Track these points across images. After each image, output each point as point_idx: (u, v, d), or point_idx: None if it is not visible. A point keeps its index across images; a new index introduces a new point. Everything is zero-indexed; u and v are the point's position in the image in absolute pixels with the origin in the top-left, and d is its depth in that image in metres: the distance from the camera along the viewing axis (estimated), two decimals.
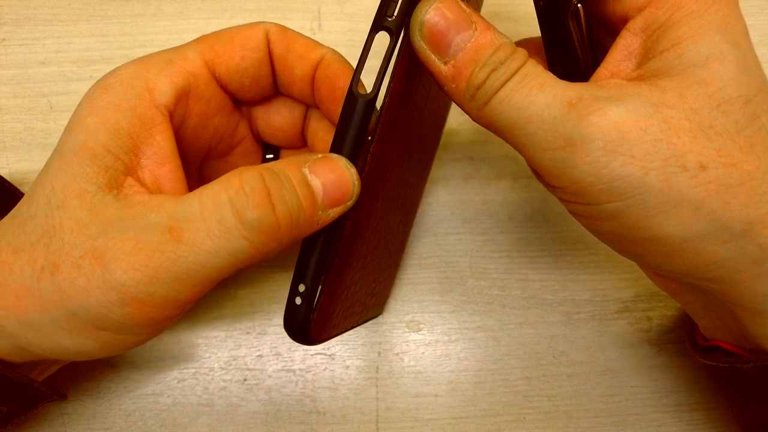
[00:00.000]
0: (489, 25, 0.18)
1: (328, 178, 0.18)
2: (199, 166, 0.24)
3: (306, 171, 0.18)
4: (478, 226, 0.31)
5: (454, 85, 0.19)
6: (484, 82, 0.18)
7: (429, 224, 0.30)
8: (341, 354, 0.29)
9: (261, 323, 0.29)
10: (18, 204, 0.19)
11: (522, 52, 0.18)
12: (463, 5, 0.18)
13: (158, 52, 0.20)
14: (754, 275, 0.18)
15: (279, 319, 0.30)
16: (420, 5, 0.18)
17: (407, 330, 0.29)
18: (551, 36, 0.21)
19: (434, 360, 0.29)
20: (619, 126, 0.17)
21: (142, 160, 0.19)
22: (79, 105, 0.19)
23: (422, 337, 0.29)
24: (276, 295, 0.30)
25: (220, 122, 0.22)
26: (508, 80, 0.18)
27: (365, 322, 0.27)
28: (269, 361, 0.29)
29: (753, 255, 0.18)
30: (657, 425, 0.28)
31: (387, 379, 0.29)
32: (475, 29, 0.18)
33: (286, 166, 0.18)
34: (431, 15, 0.18)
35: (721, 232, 0.17)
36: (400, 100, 0.19)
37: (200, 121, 0.21)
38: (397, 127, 0.20)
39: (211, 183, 0.17)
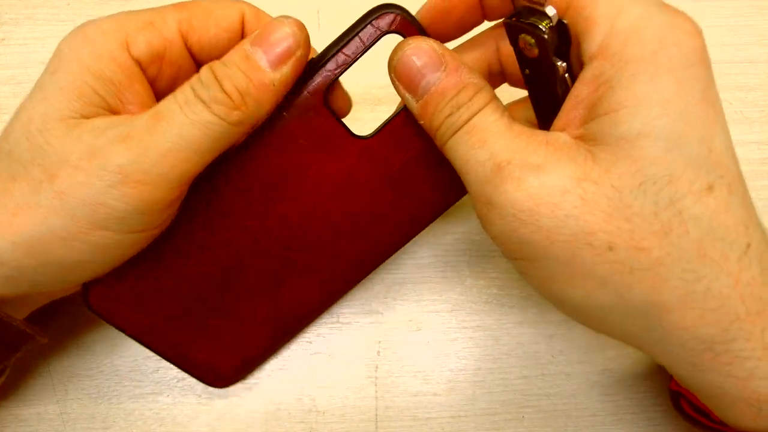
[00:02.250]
0: (458, 66, 0.19)
1: (266, 42, 0.20)
2: None
3: (248, 47, 0.20)
4: (477, 226, 0.31)
5: (422, 122, 0.20)
6: (440, 125, 0.19)
7: None
8: (340, 353, 0.29)
9: None
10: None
11: (483, 97, 0.19)
12: (435, 45, 0.20)
13: (138, 11, 0.21)
14: (665, 352, 0.19)
15: None
16: (396, 46, 0.20)
17: (406, 329, 0.29)
18: (537, 96, 0.22)
19: (433, 359, 0.29)
20: (532, 198, 0.17)
21: (124, 105, 0.20)
22: (60, 49, 0.20)
23: (421, 336, 0.29)
24: None
25: (188, 76, 0.23)
26: (458, 130, 0.19)
27: (181, 365, 0.26)
28: (269, 360, 0.29)
29: (659, 335, 0.18)
30: (654, 424, 0.29)
31: (386, 378, 0.29)
32: (444, 69, 0.19)
33: (230, 53, 0.20)
34: (403, 57, 0.20)
35: (625, 308, 0.18)
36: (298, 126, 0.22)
37: (169, 85, 0.22)
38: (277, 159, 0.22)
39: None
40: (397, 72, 0.20)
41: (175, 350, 0.25)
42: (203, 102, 0.19)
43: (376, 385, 0.29)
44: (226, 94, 0.19)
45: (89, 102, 0.20)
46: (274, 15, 0.32)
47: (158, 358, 0.29)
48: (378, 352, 0.29)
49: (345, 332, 0.29)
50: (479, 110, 0.19)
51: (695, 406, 0.22)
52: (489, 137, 0.18)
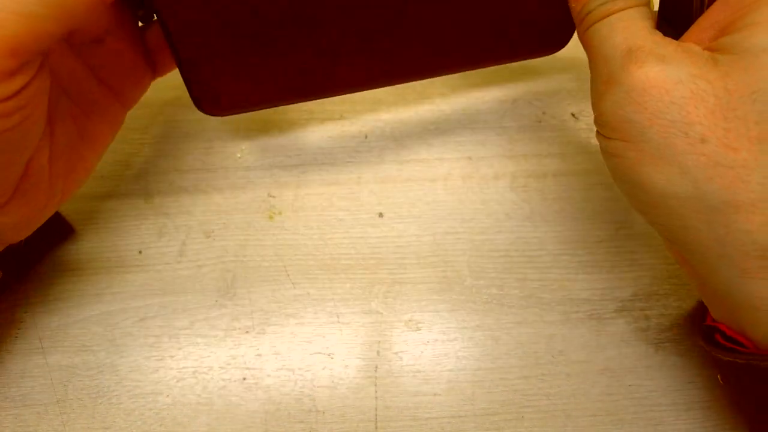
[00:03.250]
0: None
1: None
2: None
3: None
4: (476, 226, 0.31)
5: (573, 5, 0.22)
6: (592, 11, 0.21)
7: (427, 223, 0.30)
8: (340, 353, 0.29)
9: (260, 322, 0.29)
10: None
11: None
12: None
13: None
14: (718, 255, 0.19)
15: (278, 318, 0.30)
16: None
17: (406, 329, 0.29)
18: (668, 12, 0.24)
19: (433, 359, 0.29)
20: (648, 80, 0.19)
21: None
22: None
23: (421, 336, 0.29)
24: (276, 294, 0.30)
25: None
26: (607, 15, 0.21)
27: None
28: (268, 360, 0.29)
29: (720, 235, 0.19)
30: (655, 424, 0.29)
31: (386, 378, 0.29)
32: None
33: None
34: None
35: (697, 201, 0.19)
36: None
37: None
38: None
39: None
40: None
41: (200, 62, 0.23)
42: None
43: (375, 385, 0.29)
44: None
45: None
46: None
47: (158, 357, 0.29)
48: (378, 352, 0.29)
49: (345, 332, 0.29)
50: (631, 6, 0.21)
51: (729, 338, 0.22)
52: (634, 25, 0.20)
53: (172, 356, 0.29)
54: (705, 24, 0.21)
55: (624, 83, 0.20)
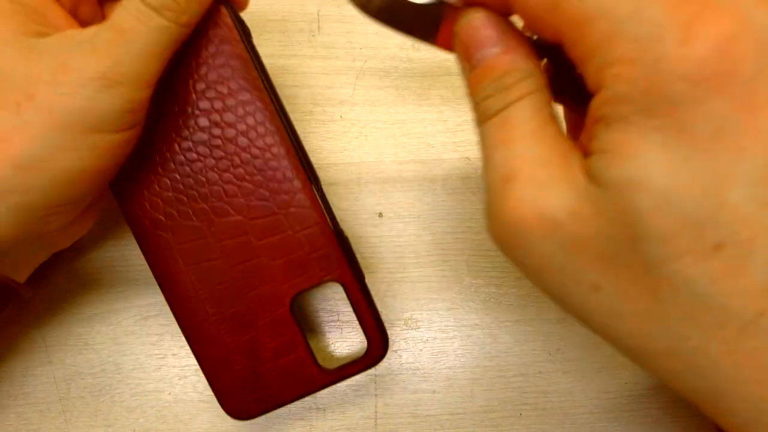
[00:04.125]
0: (512, 48, 0.18)
1: None
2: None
3: None
4: (475, 225, 0.31)
5: (468, 95, 0.19)
6: (480, 103, 0.18)
7: (427, 223, 0.31)
8: (340, 351, 0.29)
9: None
10: None
11: (527, 85, 0.18)
12: (497, 21, 0.18)
13: None
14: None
15: None
16: (466, 10, 0.19)
17: (405, 327, 0.30)
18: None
19: (432, 357, 0.29)
20: (527, 224, 0.17)
21: (48, 29, 0.21)
22: None
23: (420, 334, 0.30)
24: None
25: (86, 12, 0.24)
26: (492, 116, 0.18)
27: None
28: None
29: (649, 370, 0.18)
30: (652, 421, 0.29)
31: (385, 376, 0.29)
32: (502, 46, 0.18)
33: None
34: (470, 22, 0.18)
35: (612, 342, 0.18)
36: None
37: (71, 10, 0.23)
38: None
39: (118, 5, 0.21)
40: (461, 35, 0.19)
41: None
42: (155, 9, 0.21)
43: (375, 382, 0.29)
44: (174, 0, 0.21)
45: (24, 22, 0.21)
46: (273, 17, 0.32)
47: (160, 355, 0.29)
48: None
49: (345, 330, 0.30)
50: (517, 100, 0.18)
51: None
52: (514, 137, 0.17)
53: (174, 354, 0.29)
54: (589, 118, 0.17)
55: (505, 220, 0.17)
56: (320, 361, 0.26)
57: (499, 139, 0.18)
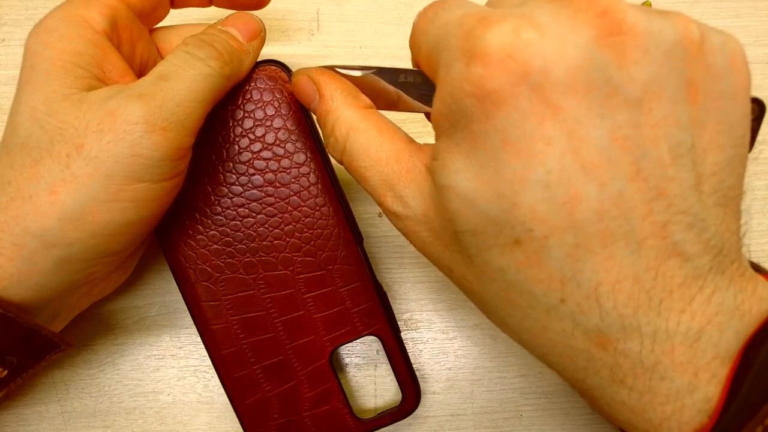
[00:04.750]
0: (330, 92, 0.22)
1: (238, 25, 0.24)
2: None
3: (221, 27, 0.24)
4: None
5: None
6: (327, 146, 0.22)
7: None
8: (340, 352, 0.29)
9: None
10: (1, 139, 0.22)
11: (344, 123, 0.21)
12: (314, 73, 0.22)
13: None
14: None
15: None
16: (293, 74, 0.23)
17: (405, 328, 0.30)
18: None
19: (432, 357, 0.29)
20: (401, 229, 0.20)
21: (107, 74, 0.22)
22: (29, 46, 0.22)
23: (420, 334, 0.30)
24: None
25: (143, 49, 0.25)
26: (340, 159, 0.21)
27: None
28: None
29: None
30: None
31: (385, 377, 0.29)
32: (317, 99, 0.22)
33: (206, 30, 0.24)
34: (293, 86, 0.23)
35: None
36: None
37: (130, 49, 0.24)
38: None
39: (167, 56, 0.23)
40: (296, 96, 0.23)
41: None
42: (201, 59, 0.22)
43: (375, 383, 0.29)
44: (219, 51, 0.22)
45: (79, 77, 0.21)
46: (272, 15, 0.32)
47: (159, 356, 0.29)
48: (377, 350, 0.29)
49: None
50: (345, 139, 0.21)
51: None
52: (366, 172, 0.21)
53: (173, 355, 0.29)
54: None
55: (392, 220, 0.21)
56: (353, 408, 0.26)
57: (358, 171, 0.21)
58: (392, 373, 0.27)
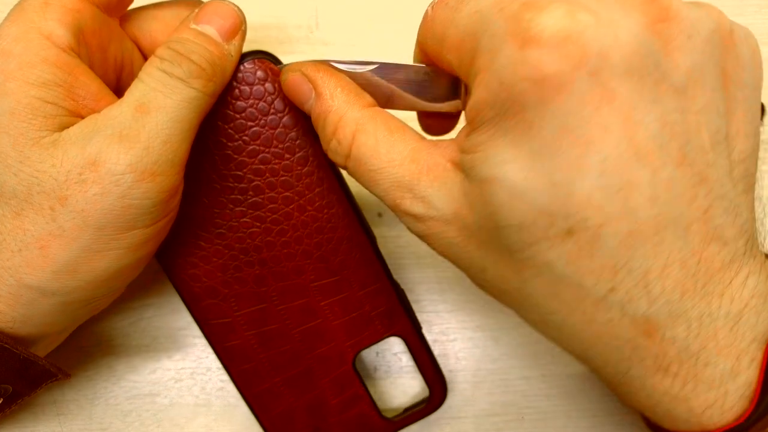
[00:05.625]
0: (324, 93, 0.20)
1: (214, 21, 0.21)
2: None
3: (194, 26, 0.21)
4: None
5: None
6: (327, 152, 0.21)
7: None
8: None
9: None
10: None
11: (348, 124, 0.19)
12: (309, 69, 0.20)
13: (23, 0, 0.20)
14: None
15: None
16: (284, 70, 0.21)
17: None
18: None
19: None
20: (422, 232, 0.19)
21: (80, 102, 0.20)
22: None
23: None
24: None
25: (116, 49, 0.22)
26: (344, 164, 0.20)
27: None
28: None
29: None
30: None
31: (385, 379, 0.29)
32: (314, 95, 0.20)
33: (178, 32, 0.21)
34: (283, 84, 0.21)
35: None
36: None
37: (101, 56, 0.21)
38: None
39: (137, 76, 0.20)
40: (287, 95, 0.22)
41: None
42: (181, 80, 0.19)
43: (374, 386, 0.29)
44: (199, 66, 0.20)
45: (49, 115, 0.19)
46: (270, 12, 0.32)
47: (155, 359, 0.29)
48: (377, 353, 0.29)
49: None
50: (351, 142, 0.19)
51: None
52: (376, 175, 0.19)
53: (169, 357, 0.29)
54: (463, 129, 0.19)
55: (405, 225, 0.20)
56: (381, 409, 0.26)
57: (367, 179, 0.19)
58: (412, 369, 0.26)
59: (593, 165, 0.15)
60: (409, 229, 0.20)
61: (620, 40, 0.15)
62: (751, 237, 0.17)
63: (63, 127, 0.19)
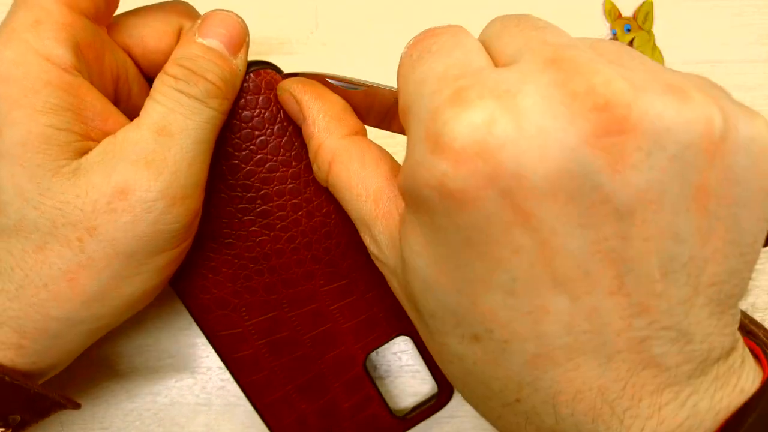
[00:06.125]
0: (307, 118, 0.20)
1: (220, 35, 0.20)
2: None
3: (200, 40, 0.20)
4: None
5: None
6: (313, 170, 0.21)
7: None
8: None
9: None
10: None
11: (327, 151, 0.20)
12: (297, 91, 0.21)
13: (10, 19, 0.18)
14: None
15: None
16: (279, 86, 0.22)
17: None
18: None
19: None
20: (382, 269, 0.20)
21: (89, 124, 0.19)
22: None
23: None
24: None
25: (110, 60, 0.21)
26: (326, 184, 0.20)
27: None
28: None
29: None
30: None
31: (384, 378, 0.29)
32: (304, 120, 0.20)
33: (185, 47, 0.20)
34: (279, 98, 0.22)
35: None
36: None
37: (98, 68, 0.20)
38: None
39: (149, 96, 0.20)
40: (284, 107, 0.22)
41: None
42: (199, 100, 0.19)
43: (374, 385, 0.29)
44: (214, 84, 0.19)
45: (63, 143, 0.18)
46: (271, 12, 0.32)
47: (156, 358, 0.29)
48: (377, 352, 0.29)
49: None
50: (328, 170, 0.20)
51: None
52: (347, 204, 0.20)
53: (170, 356, 0.29)
54: None
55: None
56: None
57: (349, 196, 0.19)
58: (412, 369, 0.26)
59: (500, 283, 0.14)
60: None
61: (546, 158, 0.13)
62: (709, 357, 0.15)
63: (79, 153, 0.19)
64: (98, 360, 0.28)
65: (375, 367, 0.29)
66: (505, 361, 0.15)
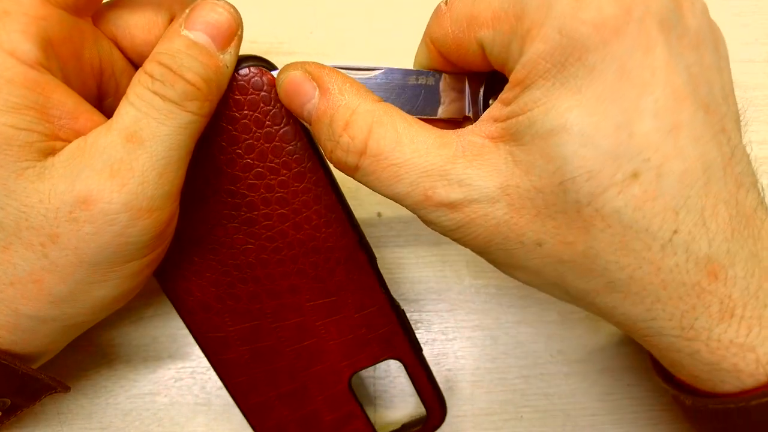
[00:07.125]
0: (332, 89, 0.18)
1: (206, 25, 0.18)
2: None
3: (185, 33, 0.18)
4: None
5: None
6: (331, 158, 0.19)
7: None
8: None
9: None
10: None
11: (364, 119, 0.18)
12: (311, 67, 0.19)
13: None
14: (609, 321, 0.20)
15: None
16: (284, 69, 0.20)
17: None
18: None
19: (431, 358, 0.29)
20: (465, 216, 0.18)
21: (56, 123, 0.18)
22: None
23: (419, 335, 0.29)
24: None
25: (91, 53, 0.20)
26: (355, 169, 0.19)
27: None
28: None
29: (596, 310, 0.19)
30: (654, 423, 0.29)
31: (384, 378, 0.29)
32: (318, 93, 0.19)
33: (167, 41, 0.18)
34: (280, 85, 0.20)
35: (563, 290, 0.19)
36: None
37: (76, 64, 0.19)
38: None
39: (125, 95, 0.18)
40: (283, 98, 0.20)
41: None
42: (175, 103, 0.18)
43: (374, 385, 0.29)
44: (194, 85, 0.18)
45: (24, 143, 0.17)
46: (270, 13, 0.32)
47: (155, 357, 0.29)
48: (374, 368, 0.29)
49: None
50: (367, 136, 0.18)
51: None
52: (399, 169, 0.18)
53: (169, 356, 0.29)
54: (499, 101, 0.18)
55: (442, 226, 0.19)
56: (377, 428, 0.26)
57: (387, 177, 0.18)
58: (409, 386, 0.26)
59: (648, 106, 0.16)
60: (437, 226, 0.19)
61: None
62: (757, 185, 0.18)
63: (44, 154, 0.18)
64: (97, 360, 0.28)
65: (375, 367, 0.29)
66: (662, 189, 0.16)
